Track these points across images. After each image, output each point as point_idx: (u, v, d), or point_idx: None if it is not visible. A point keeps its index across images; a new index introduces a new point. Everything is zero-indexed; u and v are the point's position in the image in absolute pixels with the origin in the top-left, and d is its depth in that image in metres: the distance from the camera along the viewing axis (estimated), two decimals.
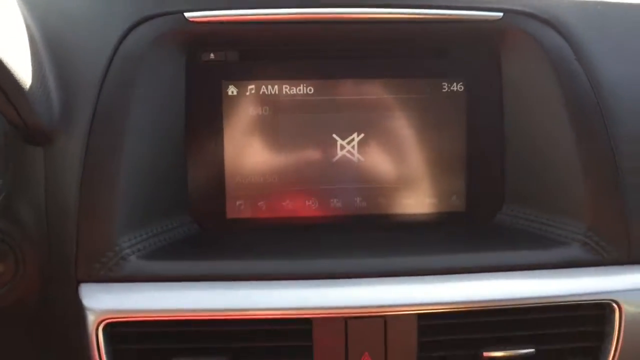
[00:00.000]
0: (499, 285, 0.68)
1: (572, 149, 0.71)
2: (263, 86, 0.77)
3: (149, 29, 0.70)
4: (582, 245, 0.70)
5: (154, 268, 0.67)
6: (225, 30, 0.73)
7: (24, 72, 0.61)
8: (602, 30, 0.73)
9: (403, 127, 0.78)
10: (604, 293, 0.69)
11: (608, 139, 0.70)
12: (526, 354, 0.68)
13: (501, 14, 0.73)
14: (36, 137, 0.67)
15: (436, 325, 0.67)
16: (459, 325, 0.68)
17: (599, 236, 0.70)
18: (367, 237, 0.77)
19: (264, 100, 0.77)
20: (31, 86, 0.62)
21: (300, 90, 0.77)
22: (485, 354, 0.68)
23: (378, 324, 0.66)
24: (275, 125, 0.77)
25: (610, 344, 0.69)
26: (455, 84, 0.78)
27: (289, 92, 0.77)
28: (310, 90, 0.77)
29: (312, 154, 0.78)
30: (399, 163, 0.78)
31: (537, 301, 0.68)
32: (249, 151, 0.77)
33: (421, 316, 0.67)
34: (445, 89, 0.78)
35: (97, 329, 0.65)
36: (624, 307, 0.69)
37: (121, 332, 0.66)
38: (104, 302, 0.66)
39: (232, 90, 0.77)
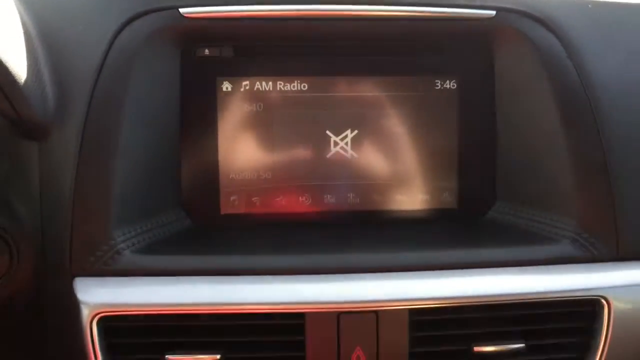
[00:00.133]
0: (490, 281, 0.69)
1: (562, 145, 0.71)
2: (257, 82, 0.77)
3: (144, 24, 0.70)
4: (572, 242, 0.71)
5: (148, 262, 0.68)
6: (220, 26, 0.73)
7: (19, 66, 0.61)
8: (592, 28, 0.74)
9: (396, 124, 0.78)
10: (594, 289, 0.69)
11: (598, 136, 0.71)
12: (516, 349, 0.69)
13: (494, 12, 0.73)
14: (31, 131, 0.67)
15: (428, 320, 0.68)
16: (451, 320, 0.69)
17: (589, 233, 0.71)
18: (359, 233, 0.77)
19: (258, 96, 0.77)
20: (26, 80, 0.62)
21: (294, 86, 0.78)
22: (476, 348, 0.69)
23: (370, 319, 0.67)
24: (270, 121, 0.77)
25: (600, 339, 0.70)
26: (448, 81, 0.79)
27: (283, 89, 0.77)
28: (304, 86, 0.78)
29: (305, 151, 0.78)
30: (391, 160, 0.79)
31: (527, 297, 0.68)
32: (243, 147, 0.78)
33: (413, 311, 0.67)
34: (438, 86, 0.79)
35: (91, 323, 0.65)
36: (613, 303, 0.69)
37: (115, 325, 0.67)
38: (99, 296, 0.66)
39: (226, 86, 0.77)
